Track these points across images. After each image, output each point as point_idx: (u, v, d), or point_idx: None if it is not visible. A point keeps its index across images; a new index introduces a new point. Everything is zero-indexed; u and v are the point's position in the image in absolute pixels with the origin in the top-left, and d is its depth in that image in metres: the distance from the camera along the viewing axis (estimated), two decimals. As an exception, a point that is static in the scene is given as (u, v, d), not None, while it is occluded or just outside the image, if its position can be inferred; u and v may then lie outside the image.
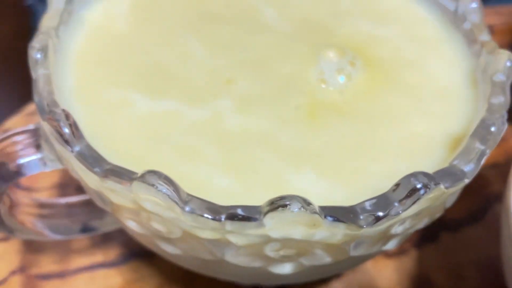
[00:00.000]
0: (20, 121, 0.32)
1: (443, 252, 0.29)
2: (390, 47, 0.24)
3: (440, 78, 0.23)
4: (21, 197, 0.24)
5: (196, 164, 0.20)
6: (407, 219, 0.18)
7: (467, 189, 0.32)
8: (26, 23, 0.46)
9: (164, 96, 0.22)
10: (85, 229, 0.25)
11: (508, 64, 0.21)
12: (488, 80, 0.22)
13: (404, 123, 0.22)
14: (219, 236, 0.17)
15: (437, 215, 0.20)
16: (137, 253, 0.28)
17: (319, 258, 0.18)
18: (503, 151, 0.34)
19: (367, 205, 0.17)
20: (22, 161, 0.20)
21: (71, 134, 0.18)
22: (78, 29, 0.23)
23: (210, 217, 0.16)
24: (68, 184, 0.30)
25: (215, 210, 0.16)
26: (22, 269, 0.27)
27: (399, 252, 0.29)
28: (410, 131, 0.21)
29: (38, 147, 0.20)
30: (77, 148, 0.18)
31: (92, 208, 0.23)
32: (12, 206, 0.23)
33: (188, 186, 0.17)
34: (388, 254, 0.29)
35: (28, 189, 0.30)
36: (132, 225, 0.19)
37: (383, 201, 0.17)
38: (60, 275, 0.27)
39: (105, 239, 0.28)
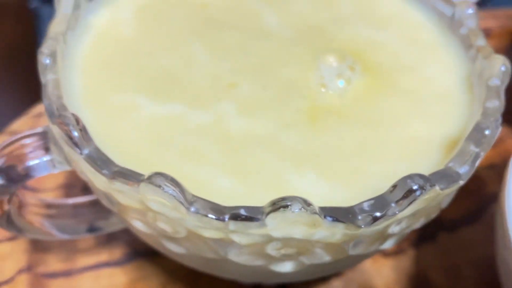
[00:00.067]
0: (27, 123, 0.33)
1: (441, 252, 0.30)
2: (389, 52, 0.25)
3: (437, 82, 0.24)
4: (29, 197, 0.24)
5: (199, 166, 0.20)
6: (404, 219, 0.18)
7: (464, 190, 0.33)
8: (30, 25, 0.47)
9: (168, 100, 0.22)
10: (91, 229, 0.25)
11: (503, 69, 0.22)
12: (483, 84, 0.22)
13: (402, 126, 0.22)
14: (223, 236, 0.18)
15: (433, 215, 0.21)
16: (142, 252, 0.28)
17: (319, 257, 0.19)
18: (500, 152, 0.35)
19: (365, 205, 0.17)
20: (31, 163, 0.21)
21: (80, 138, 0.18)
22: (85, 35, 0.24)
23: (214, 217, 0.17)
24: (73, 185, 0.31)
25: (219, 211, 0.17)
26: (29, 268, 0.28)
27: (398, 251, 0.30)
28: (408, 134, 0.22)
29: (47, 149, 0.21)
30: (86, 151, 0.18)
31: (98, 208, 0.24)
32: (21, 206, 0.23)
33: (192, 187, 0.18)
34: (386, 254, 0.29)
35: (34, 189, 0.30)
36: (138, 225, 0.20)
37: (380, 202, 0.17)
38: (66, 273, 0.28)
39: (110, 239, 0.29)
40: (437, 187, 0.18)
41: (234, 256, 0.19)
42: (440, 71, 0.24)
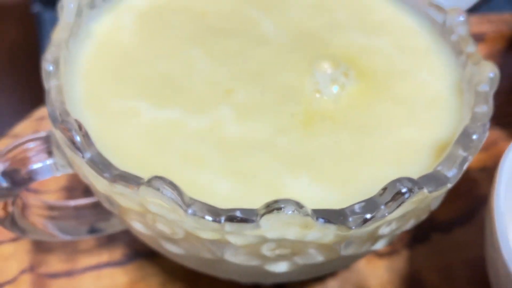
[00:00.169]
0: (30, 126, 0.34)
1: (434, 252, 0.30)
2: (382, 58, 0.26)
3: (428, 88, 0.25)
4: (32, 199, 0.25)
5: (198, 169, 0.21)
6: (393, 220, 0.19)
7: (457, 192, 0.34)
8: (32, 29, 0.47)
9: (168, 105, 0.23)
10: (92, 230, 0.26)
11: (491, 75, 0.23)
12: (472, 90, 0.23)
13: (394, 131, 0.23)
14: (219, 237, 0.18)
15: (423, 217, 0.21)
16: (142, 253, 0.29)
17: (312, 257, 0.20)
18: (493, 155, 0.36)
19: (356, 208, 0.18)
20: (34, 166, 0.22)
21: (83, 142, 0.19)
22: (87, 41, 0.25)
23: (210, 219, 0.17)
24: (75, 187, 0.31)
25: (215, 213, 0.18)
26: (31, 268, 0.28)
27: (391, 252, 0.30)
28: (399, 139, 0.23)
29: (49, 153, 0.22)
30: (88, 155, 0.19)
31: (99, 210, 0.25)
32: (24, 208, 0.24)
33: (190, 190, 0.19)
34: (381, 254, 0.30)
35: (37, 191, 0.31)
36: (138, 226, 0.20)
37: (371, 204, 0.18)
38: (68, 274, 0.28)
39: (111, 240, 0.29)
40: (425, 190, 0.18)
41: (230, 256, 0.19)
42: (431, 77, 0.25)
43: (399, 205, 0.18)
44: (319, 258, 0.20)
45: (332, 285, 0.29)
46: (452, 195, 0.33)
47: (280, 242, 0.18)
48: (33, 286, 0.28)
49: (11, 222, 0.23)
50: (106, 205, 0.21)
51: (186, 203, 0.18)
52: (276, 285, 0.27)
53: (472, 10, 0.47)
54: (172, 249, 0.21)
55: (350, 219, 0.18)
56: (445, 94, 0.24)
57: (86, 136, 0.19)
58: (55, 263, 0.29)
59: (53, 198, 0.31)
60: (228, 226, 0.18)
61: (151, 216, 0.19)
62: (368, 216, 0.18)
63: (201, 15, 0.27)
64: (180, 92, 0.23)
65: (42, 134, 0.22)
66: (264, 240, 0.18)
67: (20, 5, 0.52)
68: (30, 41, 0.49)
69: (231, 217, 0.18)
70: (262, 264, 0.20)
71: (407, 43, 0.26)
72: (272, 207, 0.17)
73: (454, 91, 0.24)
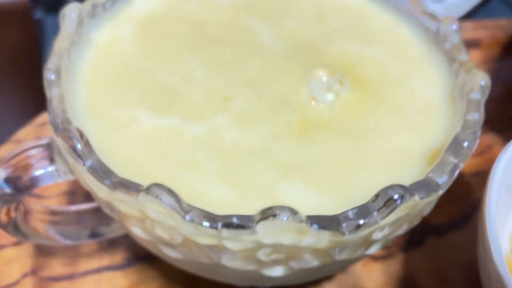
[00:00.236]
0: (32, 132, 0.34)
1: (429, 256, 0.31)
2: (377, 66, 0.26)
3: (422, 95, 0.25)
4: (35, 205, 0.25)
5: (196, 176, 0.22)
6: (386, 226, 0.20)
7: (452, 196, 0.34)
8: (34, 36, 0.48)
9: (167, 113, 0.23)
10: (93, 235, 0.27)
11: (483, 83, 0.23)
12: (465, 98, 0.23)
13: (388, 138, 0.23)
14: (216, 242, 0.19)
15: (416, 222, 0.22)
16: (142, 257, 0.30)
17: (307, 261, 0.20)
18: (487, 159, 0.36)
19: (350, 214, 0.19)
20: (36, 173, 0.22)
21: (84, 150, 0.20)
22: (88, 50, 0.25)
23: (208, 225, 0.18)
24: (76, 192, 0.32)
25: (212, 219, 0.18)
26: (33, 271, 0.29)
27: (387, 255, 0.31)
28: (393, 146, 0.23)
29: (51, 160, 0.22)
30: (88, 163, 0.19)
31: (100, 215, 0.25)
32: (26, 213, 0.25)
33: (188, 196, 0.19)
34: (376, 258, 0.31)
35: (39, 196, 0.32)
36: (137, 232, 0.21)
37: (363, 211, 0.19)
38: (69, 277, 0.29)
39: (111, 244, 0.30)
40: (416, 197, 0.19)
41: (227, 261, 0.20)
42: (425, 85, 0.26)
43: (391, 211, 0.18)
44: (314, 262, 0.20)
45: (328, 287, 0.29)
46: (447, 199, 0.34)
47: (275, 247, 0.19)
48: (35, 289, 0.28)
49: (14, 227, 0.24)
50: (106, 211, 0.22)
51: (184, 209, 0.18)
52: (273, 288, 0.27)
53: (467, 16, 0.47)
54: (170, 254, 0.21)
55: (344, 225, 0.18)
56: (438, 101, 0.25)
57: (87, 144, 0.20)
58: (56, 267, 0.29)
59: (55, 203, 0.31)
60: (225, 232, 0.18)
61: (150, 222, 0.19)
62: (361, 222, 0.18)
63: (200, 25, 0.27)
64: (179, 100, 0.24)
65: (44, 141, 0.22)
66: (260, 245, 0.19)
67: (22, 11, 0.52)
68: (32, 47, 0.50)
69: (228, 224, 0.18)
70: (259, 268, 0.21)
71: (402, 52, 0.27)
72: (268, 214, 0.18)
73: (447, 98, 0.25)
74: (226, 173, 0.22)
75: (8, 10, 0.53)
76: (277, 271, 0.21)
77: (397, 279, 0.30)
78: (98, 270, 0.29)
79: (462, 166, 0.21)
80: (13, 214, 0.23)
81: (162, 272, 0.29)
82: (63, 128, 0.20)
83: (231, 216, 0.18)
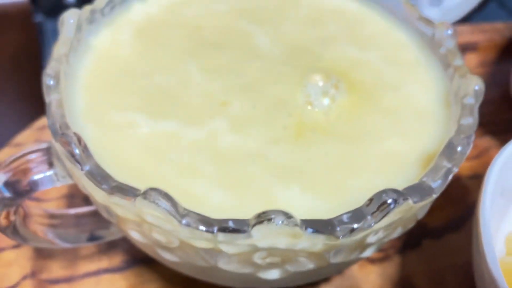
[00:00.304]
0: (31, 135, 0.34)
1: (425, 258, 0.31)
2: (372, 70, 0.26)
3: (417, 100, 0.25)
4: (34, 208, 0.26)
5: (193, 179, 0.22)
6: (380, 230, 0.20)
7: (449, 199, 0.35)
8: (34, 39, 0.48)
9: (165, 118, 0.24)
10: (92, 238, 0.27)
11: (477, 88, 0.23)
12: (459, 102, 0.24)
13: (383, 142, 0.24)
14: (212, 246, 0.19)
15: (410, 225, 0.22)
16: (140, 259, 0.30)
17: (302, 265, 0.20)
18: (484, 162, 0.36)
19: (344, 218, 0.19)
20: (36, 177, 0.22)
21: (82, 155, 0.20)
22: (87, 55, 0.26)
23: (204, 229, 0.18)
24: (75, 195, 0.32)
25: (208, 223, 0.18)
26: (33, 274, 0.29)
27: (384, 258, 0.31)
28: (387, 150, 0.23)
29: (50, 164, 0.22)
30: (86, 167, 0.20)
31: (99, 218, 0.25)
32: (26, 217, 0.25)
33: (185, 200, 0.20)
34: (373, 260, 0.31)
35: (38, 199, 0.32)
36: (135, 235, 0.21)
37: (358, 215, 0.19)
38: (68, 279, 0.29)
39: (110, 247, 0.30)
40: (410, 201, 0.19)
41: (223, 264, 0.20)
42: (420, 89, 0.26)
43: (385, 215, 0.19)
44: (309, 265, 0.21)
45: (325, 290, 0.29)
46: (443, 202, 0.34)
47: (271, 251, 0.19)
48: (34, 292, 0.28)
49: (13, 231, 0.24)
50: (104, 214, 0.22)
51: (181, 214, 0.18)
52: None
53: (465, 20, 0.47)
54: (167, 257, 0.21)
55: (338, 228, 0.19)
56: (433, 106, 0.25)
57: (85, 149, 0.20)
58: (56, 269, 0.29)
59: (54, 206, 0.32)
60: (221, 236, 0.18)
61: (147, 225, 0.20)
62: (355, 226, 0.19)
63: (197, 30, 0.27)
64: (177, 104, 0.24)
65: (43, 145, 0.23)
66: (256, 249, 0.19)
67: (23, 15, 0.53)
68: (33, 50, 0.50)
69: (224, 228, 0.18)
70: (255, 271, 0.21)
71: (397, 56, 0.27)
72: (263, 218, 0.18)
73: (441, 103, 0.25)
74: (223, 177, 0.22)
75: (9, 13, 0.53)
76: (273, 274, 0.21)
77: (394, 282, 0.30)
78: (97, 273, 0.29)
79: (456, 170, 0.21)
80: (12, 218, 0.23)
81: (160, 274, 0.30)
82: (62, 133, 0.20)
83: (226, 220, 0.18)
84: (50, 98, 0.22)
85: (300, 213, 0.19)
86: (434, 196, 0.20)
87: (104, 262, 0.30)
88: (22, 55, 0.51)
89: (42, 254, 0.30)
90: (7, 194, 0.22)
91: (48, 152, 0.22)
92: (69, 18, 0.25)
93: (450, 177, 0.21)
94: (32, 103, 0.44)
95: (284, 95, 0.25)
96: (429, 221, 0.33)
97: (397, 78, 0.26)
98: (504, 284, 0.22)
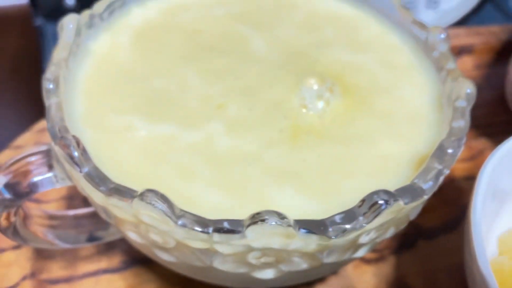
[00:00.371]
0: (31, 138, 0.35)
1: (420, 259, 0.32)
2: (366, 74, 0.27)
3: (410, 103, 0.26)
4: (34, 210, 0.26)
5: (190, 181, 0.22)
6: (372, 230, 0.20)
7: (444, 200, 0.35)
8: (34, 43, 0.49)
9: (162, 121, 0.24)
10: (91, 239, 0.27)
11: (468, 91, 0.24)
12: (451, 105, 0.24)
13: (376, 144, 0.24)
14: (208, 246, 0.20)
15: (402, 226, 0.23)
16: (139, 260, 0.30)
17: (296, 264, 0.21)
18: (479, 164, 0.36)
19: (337, 218, 0.19)
20: (35, 179, 0.23)
21: (80, 158, 0.20)
22: (86, 59, 0.26)
23: (199, 229, 0.19)
24: (75, 197, 0.33)
25: (204, 224, 0.19)
26: (32, 274, 0.30)
27: (379, 258, 0.31)
28: (381, 152, 0.24)
29: (50, 166, 0.23)
30: (85, 170, 0.20)
31: (98, 219, 0.26)
32: (26, 218, 0.25)
33: (182, 201, 0.20)
34: (368, 260, 0.31)
35: (38, 201, 0.32)
36: (132, 236, 0.21)
37: (350, 215, 0.19)
38: (68, 280, 0.30)
39: (109, 247, 0.31)
40: (401, 202, 0.20)
41: (219, 264, 0.21)
42: (413, 93, 0.26)
43: (376, 216, 0.19)
44: (303, 265, 0.21)
45: (320, 290, 0.30)
46: (438, 203, 0.35)
47: (265, 251, 0.20)
48: (34, 292, 0.29)
49: (13, 231, 0.24)
50: (103, 215, 0.22)
51: (177, 214, 0.19)
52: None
53: (461, 23, 0.48)
54: (164, 257, 0.22)
55: (330, 229, 0.19)
56: (426, 109, 0.26)
57: (83, 151, 0.20)
58: (55, 270, 0.30)
59: (54, 207, 0.32)
60: (216, 236, 0.19)
61: (144, 226, 0.20)
62: (347, 226, 0.19)
63: (195, 34, 0.28)
64: (174, 108, 0.25)
65: (43, 148, 0.23)
66: (250, 249, 0.20)
67: (23, 18, 0.53)
68: (33, 53, 0.51)
69: (219, 228, 0.19)
70: (249, 271, 0.21)
71: (391, 60, 0.28)
72: (257, 219, 0.18)
73: (434, 106, 0.26)
74: (218, 179, 0.22)
75: (10, 16, 0.54)
76: (268, 274, 0.22)
77: (389, 282, 0.31)
78: (96, 273, 0.30)
79: (447, 172, 0.22)
80: (12, 219, 0.24)
81: (158, 275, 0.30)
82: (61, 136, 0.21)
83: (222, 221, 0.19)
84: (50, 101, 0.22)
85: (295, 214, 0.20)
86: (425, 197, 0.21)
87: (103, 263, 0.30)
88: (23, 58, 0.52)
89: (42, 255, 0.30)
90: (7, 195, 0.22)
91: (47, 154, 0.23)
92: (69, 23, 0.25)
93: (441, 178, 0.21)
94: (33, 106, 0.44)
95: (280, 98, 0.25)
96: (424, 222, 0.33)
97: (391, 81, 0.27)
98: (495, 285, 0.22)
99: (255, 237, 0.19)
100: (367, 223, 0.19)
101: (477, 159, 0.37)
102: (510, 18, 0.50)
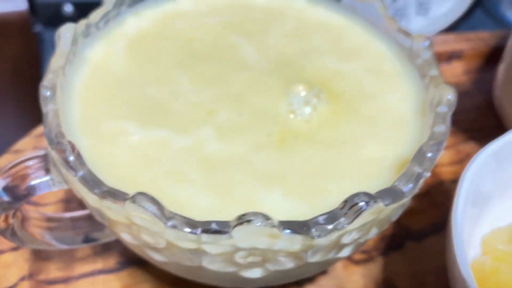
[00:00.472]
0: (30, 142, 0.36)
1: (408, 260, 0.32)
2: (352, 81, 0.28)
3: (395, 108, 0.27)
4: (31, 212, 0.27)
5: (181, 185, 0.23)
6: (354, 230, 0.21)
7: (432, 203, 0.36)
8: (33, 49, 0.50)
9: (155, 126, 0.25)
10: (87, 240, 0.28)
11: (450, 97, 0.25)
12: (433, 111, 0.25)
13: (361, 148, 0.25)
14: (197, 246, 0.20)
15: (385, 227, 0.24)
16: (134, 261, 0.31)
17: (282, 264, 0.22)
18: (466, 167, 0.38)
19: (320, 219, 0.20)
20: (33, 182, 0.24)
21: (75, 162, 0.21)
22: (82, 67, 0.27)
23: (188, 230, 0.20)
24: (72, 200, 0.34)
25: (192, 225, 0.20)
26: (30, 275, 0.30)
27: (367, 259, 0.32)
28: (364, 156, 0.25)
29: (47, 170, 0.24)
30: (80, 173, 0.21)
31: (93, 221, 0.27)
32: (24, 220, 0.26)
33: (173, 204, 0.21)
34: (357, 261, 0.32)
35: (36, 204, 0.33)
36: (125, 237, 0.22)
37: (332, 216, 0.20)
38: (65, 280, 0.30)
39: (105, 249, 0.31)
40: (381, 203, 0.21)
41: (207, 264, 0.21)
42: (398, 98, 0.27)
43: (357, 216, 0.20)
44: (289, 264, 0.22)
45: (310, 290, 0.31)
46: (426, 206, 0.36)
47: (251, 251, 0.21)
48: (32, 292, 0.30)
49: (11, 233, 0.25)
50: (97, 217, 0.23)
51: (166, 216, 0.20)
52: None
53: (452, 29, 0.49)
54: (156, 257, 0.23)
55: (313, 229, 0.20)
56: (409, 114, 0.26)
57: (78, 156, 0.21)
58: (53, 271, 0.31)
59: (52, 210, 0.33)
60: (204, 237, 0.20)
61: (136, 228, 0.21)
62: (329, 227, 0.20)
63: (188, 42, 0.29)
64: (166, 114, 0.26)
65: (40, 153, 0.24)
66: (237, 249, 0.20)
67: (23, 24, 0.54)
68: (32, 59, 0.52)
69: (207, 229, 0.20)
70: (238, 270, 0.22)
71: (377, 67, 0.29)
72: (243, 220, 0.19)
73: (418, 111, 0.27)
74: (208, 182, 0.23)
75: (10, 22, 0.55)
76: (255, 273, 0.23)
77: (377, 282, 0.31)
78: (92, 274, 0.31)
79: (427, 175, 0.23)
80: (10, 221, 0.25)
81: (153, 275, 0.31)
82: (57, 141, 0.22)
83: (210, 222, 0.20)
84: (47, 108, 0.23)
85: (282, 216, 0.21)
86: (405, 199, 0.22)
87: (99, 264, 0.31)
88: (23, 64, 0.53)
89: (40, 256, 0.31)
90: (6, 198, 0.23)
91: (45, 159, 0.24)
92: (65, 32, 0.26)
93: (421, 181, 0.22)
94: (32, 111, 0.45)
95: (269, 104, 0.26)
96: (412, 224, 0.34)
97: (376, 88, 0.28)
98: (474, 286, 0.23)
99: (242, 237, 0.20)
100: (348, 223, 0.20)
101: (465, 163, 0.38)
102: (500, 24, 0.51)
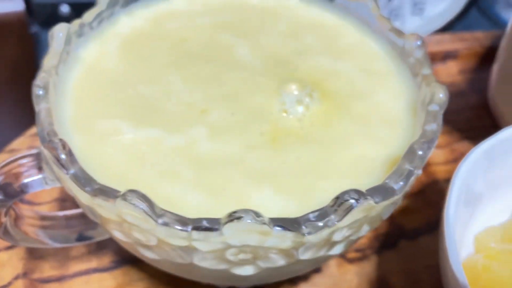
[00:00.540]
0: (25, 142, 0.36)
1: (402, 259, 0.33)
2: (345, 80, 0.28)
3: (386, 107, 0.27)
4: (25, 210, 0.27)
5: (174, 183, 0.23)
6: (344, 227, 0.21)
7: (426, 202, 0.36)
8: (30, 49, 0.50)
9: (147, 125, 0.25)
10: (81, 238, 0.28)
11: (441, 96, 0.25)
12: (425, 109, 0.25)
13: (353, 147, 0.25)
14: (187, 243, 0.20)
15: (376, 224, 0.24)
16: (128, 259, 0.31)
17: (273, 261, 0.22)
18: (461, 167, 0.38)
19: (310, 216, 0.20)
20: (26, 180, 0.24)
21: (67, 160, 0.21)
22: (75, 67, 0.27)
23: (179, 228, 0.20)
24: (67, 199, 0.34)
25: (183, 222, 0.20)
26: (25, 274, 0.30)
27: (362, 257, 0.32)
28: (357, 154, 0.25)
29: (40, 168, 0.24)
30: (71, 171, 0.21)
31: (86, 220, 0.27)
32: (17, 218, 0.26)
33: (165, 202, 0.21)
34: (351, 260, 0.32)
35: (31, 203, 0.33)
36: (117, 235, 0.23)
37: (322, 213, 0.20)
38: (59, 279, 0.30)
39: (99, 247, 0.32)
40: (371, 201, 0.21)
41: (199, 261, 0.22)
42: (390, 97, 0.27)
43: (347, 213, 0.20)
44: (280, 262, 0.22)
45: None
46: (421, 204, 0.36)
47: (242, 248, 0.21)
48: (26, 291, 0.30)
49: (4, 231, 0.25)
50: (89, 215, 0.23)
51: (157, 214, 0.20)
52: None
53: (447, 28, 0.49)
54: (148, 255, 0.23)
55: (304, 226, 0.20)
56: (401, 113, 0.27)
57: (70, 154, 0.22)
58: (47, 269, 0.31)
59: (46, 209, 0.33)
60: (195, 234, 0.20)
61: (127, 225, 0.21)
62: (320, 224, 0.20)
63: (181, 42, 0.29)
64: (159, 113, 0.26)
65: (33, 151, 0.24)
66: (228, 246, 0.21)
67: (21, 25, 0.54)
68: (29, 59, 0.52)
69: (198, 226, 0.20)
70: (229, 268, 0.22)
71: (369, 66, 0.29)
72: (233, 217, 0.20)
73: (409, 110, 0.27)
74: (200, 181, 0.23)
75: (7, 23, 0.55)
76: (247, 270, 0.23)
77: (371, 281, 0.32)
78: (86, 272, 0.31)
79: (418, 173, 0.23)
80: (3, 219, 0.25)
81: (147, 274, 0.31)
82: (49, 139, 0.22)
83: (200, 220, 0.20)
84: (39, 107, 0.24)
85: (273, 214, 0.21)
86: (396, 197, 0.22)
87: (93, 262, 0.31)
88: (20, 64, 0.53)
89: (34, 255, 0.31)
90: (-1, 196, 0.24)
91: (37, 157, 0.24)
92: (59, 31, 0.26)
93: (412, 179, 0.22)
94: (29, 111, 0.46)
95: (261, 103, 0.26)
96: (407, 222, 0.34)
97: (369, 87, 0.28)
98: (466, 284, 0.23)
99: (232, 234, 0.20)
100: (339, 220, 0.20)
101: (459, 162, 0.38)
102: (495, 24, 0.51)
